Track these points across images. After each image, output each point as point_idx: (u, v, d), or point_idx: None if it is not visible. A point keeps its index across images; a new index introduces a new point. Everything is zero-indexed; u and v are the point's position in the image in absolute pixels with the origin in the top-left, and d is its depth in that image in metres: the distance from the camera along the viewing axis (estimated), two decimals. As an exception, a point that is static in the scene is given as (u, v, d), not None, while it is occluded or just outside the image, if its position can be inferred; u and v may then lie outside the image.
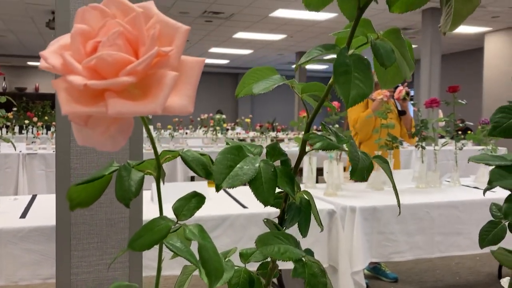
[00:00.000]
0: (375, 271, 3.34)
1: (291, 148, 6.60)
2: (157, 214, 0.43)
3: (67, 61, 0.31)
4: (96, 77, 0.32)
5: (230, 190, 2.51)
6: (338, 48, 0.43)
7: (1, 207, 2.10)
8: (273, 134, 8.50)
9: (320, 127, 0.51)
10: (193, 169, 0.42)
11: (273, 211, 1.93)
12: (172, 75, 0.32)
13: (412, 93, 3.44)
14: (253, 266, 0.54)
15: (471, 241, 2.50)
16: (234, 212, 2.10)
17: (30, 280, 1.76)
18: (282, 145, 7.15)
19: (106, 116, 0.32)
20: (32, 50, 12.72)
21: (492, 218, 0.61)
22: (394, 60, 0.45)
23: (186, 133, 8.61)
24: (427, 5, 7.45)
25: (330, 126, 0.50)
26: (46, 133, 7.32)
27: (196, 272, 0.52)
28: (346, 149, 0.47)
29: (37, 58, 13.47)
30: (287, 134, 8.83)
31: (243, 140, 7.66)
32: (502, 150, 6.12)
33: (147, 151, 4.55)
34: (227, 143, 0.49)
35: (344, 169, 3.35)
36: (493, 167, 0.43)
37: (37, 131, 6.35)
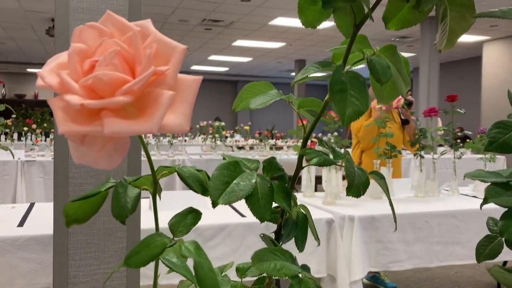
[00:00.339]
0: (374, 280, 3.33)
1: (290, 156, 6.60)
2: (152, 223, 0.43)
3: (64, 80, 0.32)
4: (92, 96, 0.32)
5: (229, 199, 2.50)
6: (334, 65, 0.43)
7: (-2, 215, 2.10)
8: (272, 141, 8.50)
9: (321, 133, 0.51)
10: (189, 186, 0.42)
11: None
12: (168, 94, 0.32)
13: (410, 97, 3.44)
14: (250, 279, 0.54)
15: (470, 251, 2.50)
16: (232, 221, 2.10)
17: (27, 289, 1.75)
18: (281, 153, 7.15)
19: (102, 135, 0.32)
20: (31, 57, 12.74)
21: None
22: (390, 76, 0.45)
23: (185, 140, 8.60)
24: (426, 14, 7.47)
25: (326, 141, 0.50)
26: (45, 140, 7.32)
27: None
28: (343, 164, 0.47)
29: (36, 65, 13.50)
30: (286, 142, 8.83)
31: (242, 147, 7.66)
32: (500, 159, 6.13)
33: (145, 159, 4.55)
34: (224, 158, 0.49)
35: (343, 178, 3.35)
36: (489, 184, 0.43)
37: (36, 138, 6.35)
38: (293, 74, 14.28)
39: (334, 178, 2.69)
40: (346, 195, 0.44)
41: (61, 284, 1.51)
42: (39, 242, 1.77)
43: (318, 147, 0.53)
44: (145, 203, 2.33)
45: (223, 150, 7.09)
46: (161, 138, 7.17)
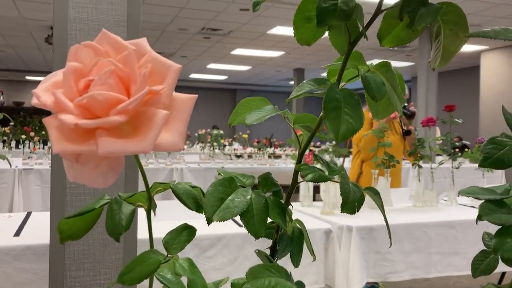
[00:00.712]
0: (372, 291, 3.31)
1: (288, 164, 6.60)
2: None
3: (59, 99, 0.32)
4: (87, 115, 0.32)
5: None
6: (329, 83, 0.44)
7: (-5, 224, 2.09)
8: (270, 150, 8.51)
9: (319, 141, 0.51)
10: (184, 203, 0.42)
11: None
12: (163, 114, 0.32)
13: (413, 108, 3.45)
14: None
15: (468, 261, 2.48)
16: (229, 231, 2.09)
17: (23, 299, 1.74)
18: (280, 161, 7.15)
19: (97, 154, 0.32)
20: (30, 65, 12.77)
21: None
22: (384, 93, 0.46)
23: (183, 148, 8.59)
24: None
25: (322, 157, 0.51)
26: (43, 148, 7.31)
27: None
28: (338, 180, 0.47)
29: (35, 72, 13.52)
30: (284, 151, 8.84)
31: (241, 156, 7.65)
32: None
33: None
34: (219, 173, 0.49)
35: (341, 187, 3.34)
36: (483, 201, 0.43)
37: (34, 146, 6.34)
38: (292, 82, 14.32)
39: (332, 188, 2.69)
40: (341, 212, 0.44)
41: (57, 294, 1.51)
42: (35, 252, 1.77)
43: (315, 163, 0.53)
44: (142, 212, 2.33)
45: (221, 158, 7.09)
46: (160, 146, 7.15)
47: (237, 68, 12.94)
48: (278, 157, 7.98)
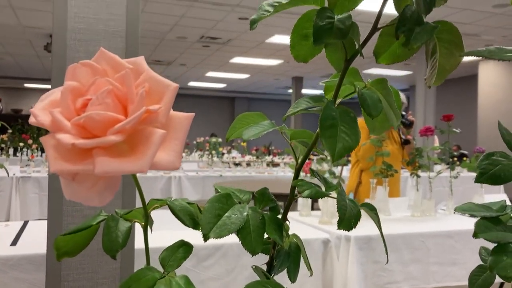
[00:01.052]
0: (370, 301, 3.29)
1: (287, 173, 6.60)
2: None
3: (56, 118, 0.32)
4: (84, 134, 0.32)
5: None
6: (325, 100, 0.44)
7: (-8, 234, 2.08)
8: (269, 158, 8.50)
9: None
10: (181, 219, 0.42)
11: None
12: (160, 133, 0.32)
13: (411, 117, 3.46)
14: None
15: (467, 271, 2.48)
16: (227, 240, 2.08)
17: (19, 310, 1.73)
18: (278, 170, 7.15)
19: (93, 173, 0.32)
20: (29, 72, 12.78)
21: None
22: (381, 109, 0.46)
23: (182, 156, 8.57)
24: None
25: (318, 173, 0.51)
26: (41, 155, 7.29)
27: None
28: (335, 197, 0.47)
29: (34, 80, 13.54)
30: (283, 159, 8.83)
31: (239, 164, 7.64)
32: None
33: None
34: (216, 189, 0.49)
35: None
36: (478, 218, 0.43)
37: (32, 154, 6.33)
38: (290, 91, 14.35)
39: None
40: (337, 229, 0.44)
41: (54, 305, 1.50)
42: (32, 262, 1.76)
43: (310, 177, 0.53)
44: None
45: (220, 166, 7.08)
46: (158, 154, 7.15)
47: (235, 76, 12.97)
48: (276, 165, 7.98)
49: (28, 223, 2.37)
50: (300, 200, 2.90)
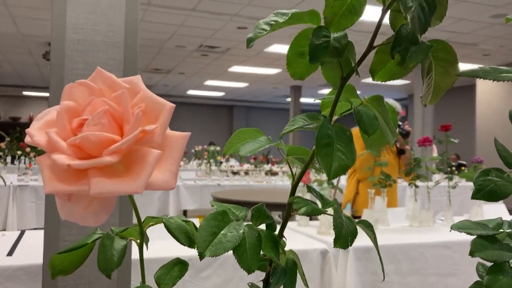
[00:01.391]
0: (368, 311, 3.28)
1: (285, 182, 6.59)
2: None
3: (52, 139, 0.32)
4: (80, 154, 0.32)
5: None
6: (321, 117, 0.44)
7: (-12, 244, 2.07)
8: (267, 167, 8.50)
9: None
10: (176, 238, 0.42)
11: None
12: (155, 154, 0.32)
13: (408, 126, 3.47)
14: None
15: (465, 282, 2.48)
16: (225, 251, 2.07)
17: (14, 321, 1.71)
18: (277, 179, 7.14)
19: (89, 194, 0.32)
20: (28, 80, 12.80)
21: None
22: (377, 127, 0.46)
23: (180, 165, 8.57)
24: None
25: (315, 189, 0.51)
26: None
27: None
28: (331, 213, 0.47)
29: (32, 88, 13.55)
30: (281, 168, 8.83)
31: (237, 173, 7.64)
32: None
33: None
34: (212, 205, 0.49)
35: (337, 207, 3.33)
36: (475, 236, 0.43)
37: (29, 162, 6.31)
38: (289, 99, 14.38)
39: (328, 207, 2.68)
40: (334, 247, 0.44)
41: (50, 317, 1.48)
42: (28, 272, 1.75)
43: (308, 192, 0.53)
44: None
45: (218, 175, 7.07)
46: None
47: (234, 85, 13.00)
48: (275, 174, 7.97)
49: (25, 233, 2.36)
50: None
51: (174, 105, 0.35)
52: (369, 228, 0.48)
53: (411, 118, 9.17)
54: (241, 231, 0.44)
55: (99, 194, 0.31)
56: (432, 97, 0.43)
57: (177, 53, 9.08)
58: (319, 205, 0.50)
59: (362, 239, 2.03)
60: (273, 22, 0.45)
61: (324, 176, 5.30)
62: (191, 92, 14.67)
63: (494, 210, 3.17)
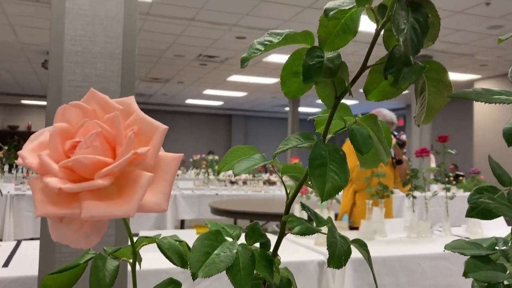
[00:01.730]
0: (366, 323, 3.26)
1: (283, 191, 6.57)
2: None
3: (44, 162, 0.32)
4: (72, 176, 0.32)
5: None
6: (315, 138, 0.44)
7: (-16, 255, 2.06)
8: (265, 176, 8.49)
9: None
10: (169, 258, 0.42)
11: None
12: (147, 177, 0.32)
13: (404, 136, 3.47)
14: None
15: (463, 294, 2.47)
16: (222, 263, 2.06)
17: (9, 334, 1.70)
18: (275, 188, 7.13)
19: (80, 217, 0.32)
20: (26, 89, 12.81)
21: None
22: (371, 146, 0.46)
23: (177, 175, 8.57)
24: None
25: (309, 207, 0.51)
26: (36, 173, 7.25)
27: None
28: (325, 232, 0.47)
29: (31, 96, 13.55)
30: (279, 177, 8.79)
31: (235, 182, 7.63)
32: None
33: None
34: (206, 224, 0.49)
35: (336, 218, 3.33)
36: (468, 257, 0.43)
37: (27, 172, 6.30)
38: (287, 109, 14.41)
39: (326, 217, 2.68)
40: (327, 267, 0.44)
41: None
42: (24, 284, 1.74)
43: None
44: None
45: (216, 185, 7.06)
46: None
47: (233, 94, 13.03)
48: (273, 183, 7.96)
49: (21, 243, 2.35)
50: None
51: (167, 127, 0.35)
52: (363, 248, 0.48)
53: (409, 127, 9.18)
54: (235, 250, 0.44)
55: (90, 217, 0.31)
56: (426, 118, 0.43)
57: (176, 62, 9.11)
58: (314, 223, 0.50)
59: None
60: (267, 42, 0.46)
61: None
62: (189, 101, 14.69)
63: (492, 221, 3.17)
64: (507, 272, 0.42)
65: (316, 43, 0.45)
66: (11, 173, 7.28)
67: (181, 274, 1.55)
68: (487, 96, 0.39)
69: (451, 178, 3.66)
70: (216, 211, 4.12)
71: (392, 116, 3.36)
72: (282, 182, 0.51)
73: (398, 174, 3.37)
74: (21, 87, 12.59)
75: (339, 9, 0.42)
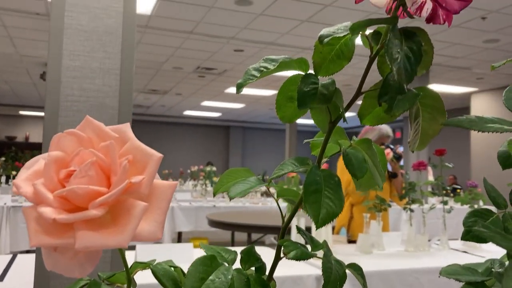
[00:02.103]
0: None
1: (281, 203, 6.55)
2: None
3: (38, 191, 0.32)
4: (67, 205, 0.32)
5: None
6: (310, 163, 0.44)
7: (-21, 269, 2.05)
8: (263, 188, 8.46)
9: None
10: (163, 285, 0.41)
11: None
12: (141, 206, 0.33)
13: (401, 149, 3.48)
14: None
15: (461, 309, 2.45)
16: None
17: None
18: (272, 200, 7.11)
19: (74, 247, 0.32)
20: (24, 100, 12.81)
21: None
22: (365, 170, 0.46)
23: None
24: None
25: (305, 231, 0.51)
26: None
27: None
28: (321, 257, 0.47)
29: (29, 107, 13.55)
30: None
31: (233, 194, 7.59)
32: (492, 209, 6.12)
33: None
34: (201, 247, 0.49)
35: (333, 231, 3.32)
36: (463, 283, 0.43)
37: (24, 183, 6.27)
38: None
39: (323, 231, 2.67)
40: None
41: None
42: (19, 299, 1.72)
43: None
44: (131, 255, 2.28)
45: (213, 196, 7.03)
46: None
47: (231, 105, 13.06)
48: (270, 195, 7.93)
49: (17, 257, 2.33)
50: (293, 234, 2.88)
51: (161, 155, 0.35)
52: (357, 272, 0.48)
53: (406, 140, 9.20)
54: (230, 276, 0.44)
55: (84, 248, 0.31)
56: (420, 144, 0.44)
57: (175, 75, 9.14)
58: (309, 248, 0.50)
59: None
60: (263, 69, 0.46)
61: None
62: (187, 112, 14.71)
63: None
64: (502, 299, 0.42)
65: (311, 70, 0.46)
66: (8, 184, 7.25)
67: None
68: (480, 125, 0.39)
69: (449, 191, 3.66)
70: (213, 223, 4.10)
71: (388, 129, 3.37)
72: (278, 205, 0.51)
73: (394, 187, 3.37)
74: (19, 98, 12.60)
75: (334, 36, 0.43)
